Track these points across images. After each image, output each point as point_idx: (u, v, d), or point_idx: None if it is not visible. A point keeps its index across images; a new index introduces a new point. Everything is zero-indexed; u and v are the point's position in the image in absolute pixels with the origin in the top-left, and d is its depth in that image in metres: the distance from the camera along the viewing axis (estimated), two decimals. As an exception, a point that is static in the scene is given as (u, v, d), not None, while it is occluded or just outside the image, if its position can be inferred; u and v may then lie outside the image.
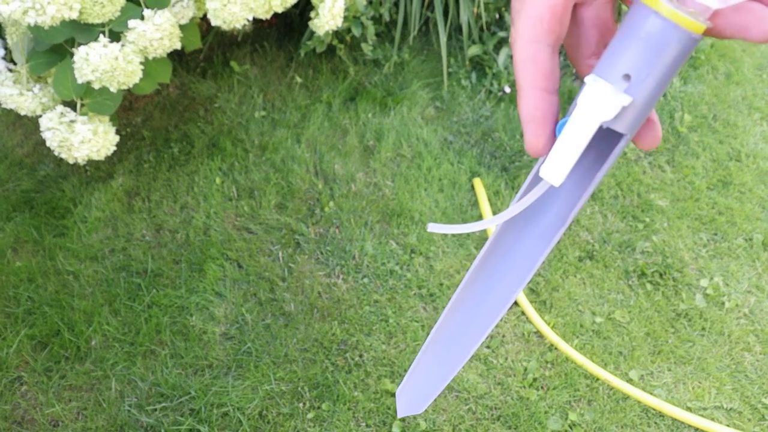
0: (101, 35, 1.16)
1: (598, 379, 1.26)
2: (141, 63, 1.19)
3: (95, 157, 1.29)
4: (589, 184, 0.33)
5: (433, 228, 0.35)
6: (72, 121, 1.24)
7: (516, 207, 0.33)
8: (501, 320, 1.33)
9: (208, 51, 1.95)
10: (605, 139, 0.32)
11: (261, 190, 1.57)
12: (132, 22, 1.16)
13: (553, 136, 0.31)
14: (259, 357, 1.26)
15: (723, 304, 1.41)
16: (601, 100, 0.28)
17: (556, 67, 0.30)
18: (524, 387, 1.24)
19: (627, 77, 0.28)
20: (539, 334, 1.33)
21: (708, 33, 0.27)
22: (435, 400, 1.25)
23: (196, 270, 1.40)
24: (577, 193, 0.34)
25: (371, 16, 1.85)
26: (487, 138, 1.77)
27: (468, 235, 1.50)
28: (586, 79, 0.28)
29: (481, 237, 1.50)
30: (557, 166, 0.30)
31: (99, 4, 1.10)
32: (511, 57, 1.96)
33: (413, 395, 0.43)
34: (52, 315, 1.31)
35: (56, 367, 1.24)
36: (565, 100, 1.90)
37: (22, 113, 1.28)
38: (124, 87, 1.20)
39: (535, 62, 0.30)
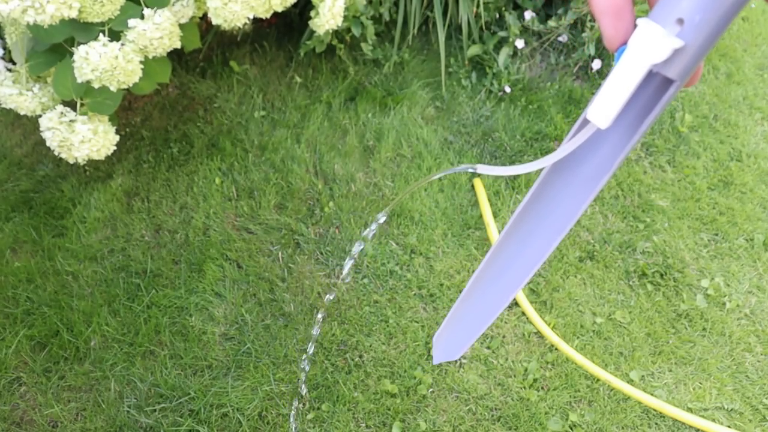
0: (101, 34, 1.16)
1: (598, 380, 1.26)
2: (141, 62, 1.19)
3: (95, 156, 1.28)
4: (637, 130, 0.32)
5: (483, 169, 0.34)
6: (72, 121, 1.24)
7: (563, 149, 0.33)
8: (501, 320, 1.33)
9: (208, 51, 1.94)
10: (655, 86, 0.31)
11: (261, 190, 1.57)
12: (132, 21, 1.15)
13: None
14: (258, 357, 1.26)
15: (724, 304, 1.41)
16: (651, 42, 0.28)
17: None
18: (525, 388, 1.24)
19: (680, 21, 0.28)
20: (540, 335, 1.33)
21: None
22: (435, 400, 1.24)
23: (196, 270, 1.40)
24: (624, 140, 0.33)
25: (371, 16, 1.84)
26: (488, 138, 1.76)
27: (468, 235, 1.50)
28: (639, 22, 0.28)
29: (482, 237, 1.50)
30: (605, 108, 0.30)
31: (99, 3, 1.10)
32: (511, 56, 1.96)
33: (450, 342, 0.43)
34: (51, 315, 1.31)
35: (55, 368, 1.24)
36: (566, 100, 1.90)
37: (22, 113, 1.28)
38: (124, 86, 1.19)
39: None
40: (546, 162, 0.34)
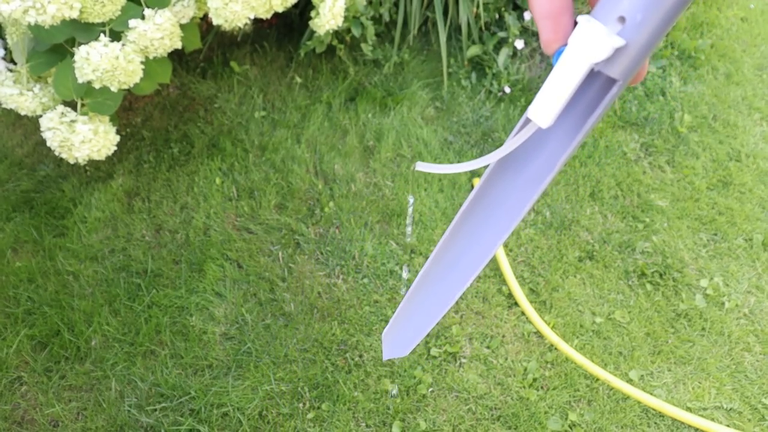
0: (102, 35, 1.16)
1: (598, 380, 1.26)
2: (141, 63, 1.19)
3: (96, 157, 1.29)
4: (580, 130, 0.32)
5: (421, 167, 0.34)
6: (73, 121, 1.24)
7: (504, 148, 0.32)
8: (500, 320, 1.33)
9: (208, 51, 1.95)
10: (598, 85, 0.31)
11: (261, 190, 1.57)
12: (133, 22, 1.16)
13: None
14: (259, 357, 1.26)
15: (723, 304, 1.41)
16: (592, 40, 0.27)
17: None
18: (524, 387, 1.24)
19: (622, 19, 0.27)
20: (539, 335, 1.33)
21: None
22: (435, 399, 1.25)
23: (196, 270, 1.40)
24: (568, 139, 0.33)
25: (371, 16, 1.85)
26: (487, 138, 1.77)
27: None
28: (579, 19, 0.28)
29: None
30: (545, 107, 0.29)
31: (99, 4, 1.10)
32: (510, 56, 1.96)
33: (399, 339, 0.43)
34: (52, 315, 1.31)
35: (56, 368, 1.24)
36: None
37: (23, 113, 1.28)
38: (125, 87, 1.19)
39: None
40: (486, 160, 0.33)
